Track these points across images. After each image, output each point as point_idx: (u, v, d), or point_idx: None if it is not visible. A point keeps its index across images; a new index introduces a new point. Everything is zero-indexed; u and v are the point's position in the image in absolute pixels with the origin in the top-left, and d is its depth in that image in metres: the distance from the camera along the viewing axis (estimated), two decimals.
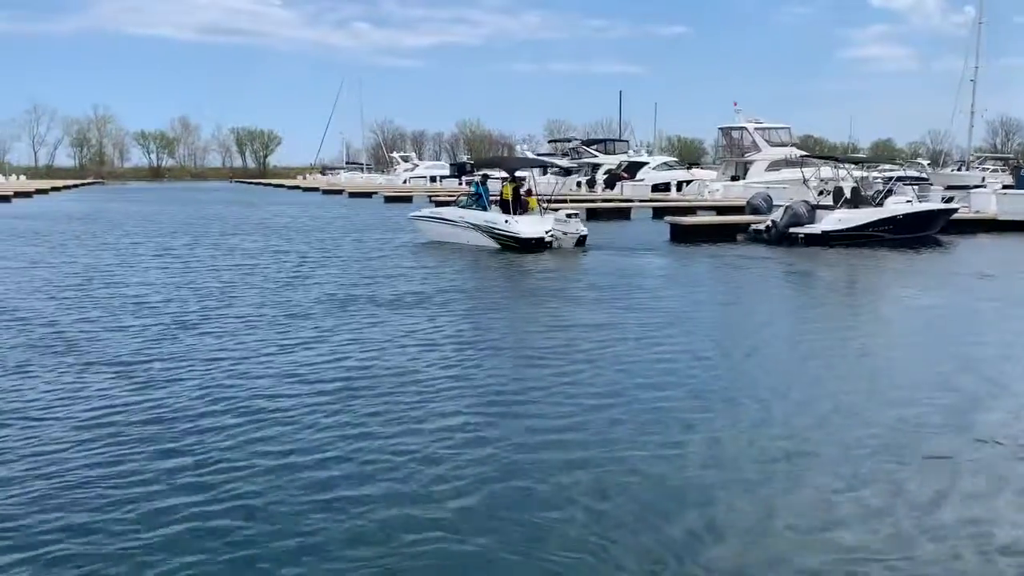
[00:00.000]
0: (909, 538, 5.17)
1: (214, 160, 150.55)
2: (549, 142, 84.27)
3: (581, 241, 22.51)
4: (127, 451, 6.55)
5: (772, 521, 5.40)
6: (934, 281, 17.65)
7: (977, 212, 30.06)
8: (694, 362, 9.63)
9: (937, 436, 7.03)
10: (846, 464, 6.37)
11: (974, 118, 60.01)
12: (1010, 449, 6.77)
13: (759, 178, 43.30)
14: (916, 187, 32.57)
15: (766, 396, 8.21)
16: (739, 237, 25.65)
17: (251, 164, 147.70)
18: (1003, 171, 59.09)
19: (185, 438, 6.84)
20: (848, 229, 23.56)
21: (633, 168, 53.39)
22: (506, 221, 21.95)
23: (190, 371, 9.00)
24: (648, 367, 9.31)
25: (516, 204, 22.82)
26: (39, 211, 42.50)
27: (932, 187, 36.99)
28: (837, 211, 24.06)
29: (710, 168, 60.75)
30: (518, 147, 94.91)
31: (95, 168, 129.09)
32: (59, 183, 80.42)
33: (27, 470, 6.17)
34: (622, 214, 37.39)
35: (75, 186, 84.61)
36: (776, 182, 37.67)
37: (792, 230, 23.76)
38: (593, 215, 35.46)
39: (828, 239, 23.15)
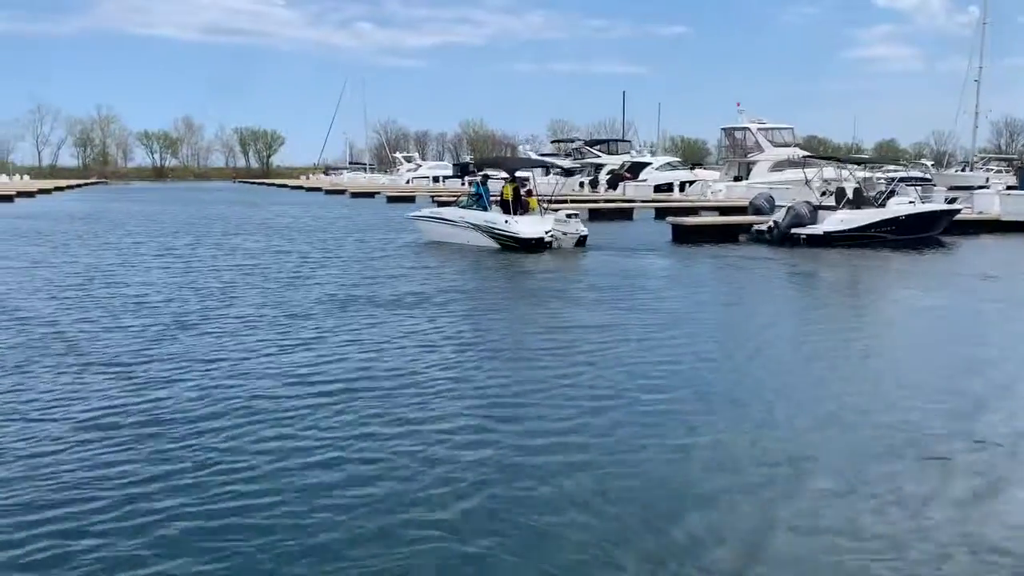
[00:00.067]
0: (911, 540, 5.14)
1: (217, 160, 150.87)
2: (552, 142, 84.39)
3: (581, 241, 22.50)
4: (125, 452, 6.53)
5: (775, 524, 5.37)
6: (936, 282, 17.61)
7: (980, 213, 29.99)
8: (695, 364, 9.60)
9: (940, 438, 6.99)
10: (850, 466, 6.33)
11: (978, 119, 59.99)
12: (1014, 451, 6.74)
13: (762, 179, 43.26)
14: (919, 188, 32.50)
15: (769, 398, 8.19)
16: (741, 238, 25.61)
17: (254, 164, 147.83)
18: (1007, 172, 58.96)
19: (184, 439, 6.82)
20: (850, 230, 23.52)
21: (636, 168, 53.40)
22: (506, 221, 21.94)
23: (190, 371, 8.98)
24: (650, 368, 9.27)
25: (516, 204, 22.83)
26: (42, 211, 42.56)
27: (935, 188, 36.92)
28: (839, 212, 24.01)
29: (713, 168, 60.70)
30: (521, 147, 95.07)
31: (98, 168, 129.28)
32: (62, 183, 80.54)
33: (25, 470, 6.15)
34: (624, 214, 37.36)
35: (78, 186, 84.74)
36: (779, 183, 37.63)
37: (794, 231, 23.72)
38: (595, 215, 35.42)
39: (830, 240, 23.11)
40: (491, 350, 10.29)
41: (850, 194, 24.80)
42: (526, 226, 21.74)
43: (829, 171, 28.10)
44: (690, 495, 5.78)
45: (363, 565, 4.80)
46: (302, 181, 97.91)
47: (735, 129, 49.74)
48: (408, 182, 76.83)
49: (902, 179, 33.09)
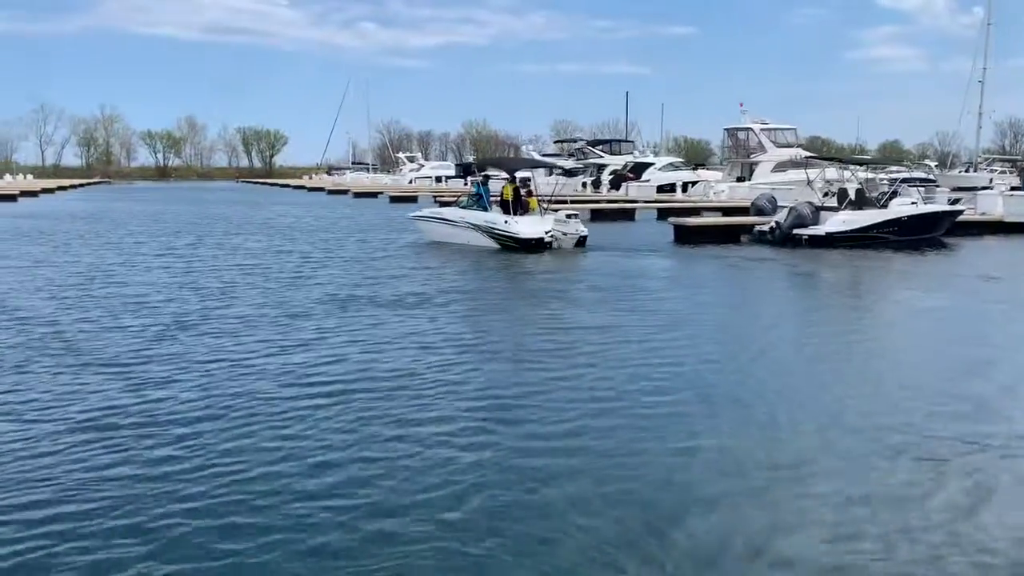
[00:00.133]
0: (913, 542, 5.11)
1: (220, 160, 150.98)
2: (555, 142, 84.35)
3: (581, 242, 22.50)
4: (124, 452, 6.52)
5: (779, 527, 5.34)
6: (938, 283, 17.57)
7: (983, 214, 29.93)
8: (697, 365, 9.56)
9: (942, 441, 6.96)
10: (852, 469, 6.30)
11: (982, 119, 59.83)
12: (1019, 454, 6.71)
13: (765, 179, 43.23)
14: (922, 189, 32.43)
15: (771, 400, 8.14)
16: (743, 238, 25.58)
17: (257, 164, 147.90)
18: (1011, 173, 58.83)
19: (183, 440, 6.81)
20: (852, 231, 23.47)
21: (639, 169, 53.42)
22: (506, 222, 21.96)
23: (190, 371, 8.98)
24: (651, 370, 9.23)
25: (516, 204, 22.84)
26: (45, 210, 42.60)
27: (939, 189, 36.85)
28: (841, 212, 23.96)
29: (716, 169, 60.66)
30: (524, 148, 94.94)
31: (102, 168, 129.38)
32: (65, 182, 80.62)
33: (23, 471, 6.14)
34: (626, 215, 37.34)
35: (81, 185, 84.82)
36: (782, 183, 37.60)
37: (796, 231, 23.67)
38: (597, 216, 35.42)
39: (832, 240, 23.06)
40: (491, 351, 10.27)
41: (852, 195, 24.75)
42: (526, 226, 21.75)
43: (832, 172, 28.05)
44: (692, 498, 5.75)
45: (362, 567, 4.78)
46: (305, 181, 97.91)
47: (738, 130, 49.74)
48: (411, 182, 76.85)
49: (904, 180, 33.05)
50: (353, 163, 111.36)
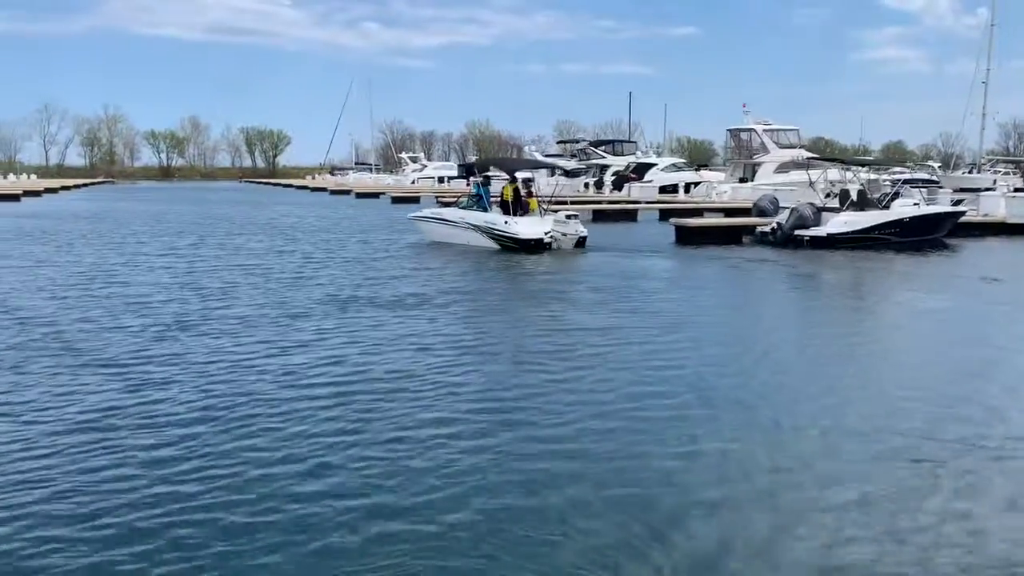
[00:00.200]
0: (914, 544, 5.12)
1: (224, 160, 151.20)
2: (558, 143, 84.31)
3: (581, 242, 22.52)
4: (122, 453, 6.53)
5: (782, 531, 5.33)
6: (940, 284, 17.54)
7: (986, 215, 29.90)
8: (697, 367, 9.52)
9: (944, 443, 6.95)
10: (855, 472, 6.29)
11: (986, 120, 59.61)
12: (1020, 455, 6.71)
13: (768, 180, 43.15)
14: (925, 190, 32.40)
15: (773, 403, 8.13)
16: (745, 239, 25.57)
17: (260, 164, 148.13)
18: (1015, 174, 58.72)
19: (182, 441, 6.81)
20: (854, 232, 23.45)
21: (641, 169, 53.35)
22: (505, 222, 21.99)
23: (189, 372, 8.98)
24: (651, 372, 9.21)
25: (516, 205, 22.87)
26: (48, 210, 42.67)
27: (942, 190, 36.79)
28: (843, 213, 23.94)
29: (719, 170, 60.59)
30: (527, 148, 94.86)
31: (105, 167, 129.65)
32: (69, 182, 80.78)
33: (20, 471, 6.15)
34: (629, 215, 37.31)
35: (84, 185, 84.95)
36: (785, 184, 37.52)
37: (797, 232, 23.66)
38: (599, 216, 35.42)
39: (833, 242, 23.04)
40: (491, 353, 10.26)
41: (854, 196, 24.73)
42: (525, 227, 21.77)
43: (834, 173, 28.03)
44: (693, 501, 5.72)
45: (361, 569, 4.77)
46: (308, 181, 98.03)
47: (741, 130, 49.66)
48: (413, 182, 76.88)
49: (907, 181, 33.01)
50: (356, 163, 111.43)
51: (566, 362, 9.61)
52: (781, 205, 26.53)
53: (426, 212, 26.27)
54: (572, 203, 32.15)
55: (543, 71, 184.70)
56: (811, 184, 26.38)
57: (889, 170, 32.96)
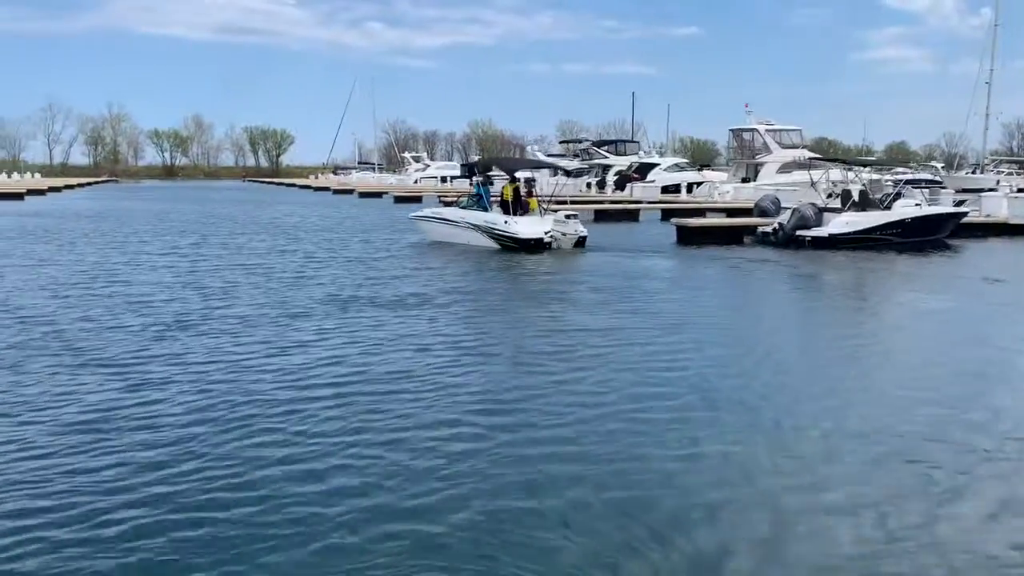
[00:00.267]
0: (918, 548, 5.13)
1: (227, 159, 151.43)
2: (560, 143, 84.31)
3: (580, 242, 22.54)
4: (119, 453, 6.55)
5: (786, 534, 5.33)
6: (941, 285, 17.51)
7: (988, 216, 29.85)
8: (698, 369, 9.50)
9: (946, 446, 6.95)
10: (857, 474, 6.29)
11: (989, 120, 59.49)
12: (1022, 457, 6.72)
13: (770, 180, 43.12)
14: (927, 190, 32.37)
15: (775, 405, 8.11)
16: (746, 239, 25.56)
17: (264, 163, 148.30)
18: (1018, 174, 58.59)
19: (181, 441, 6.82)
20: (855, 232, 23.42)
21: (644, 169, 53.33)
22: (505, 222, 22.03)
23: (189, 372, 9.00)
24: (652, 374, 9.19)
25: (516, 205, 22.90)
26: (51, 209, 42.76)
27: (944, 190, 36.74)
28: (844, 214, 23.92)
29: (722, 170, 60.53)
30: (529, 148, 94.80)
31: (109, 166, 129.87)
32: (72, 181, 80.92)
33: (17, 472, 6.17)
34: (630, 216, 37.30)
35: (88, 184, 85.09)
36: (787, 184, 37.49)
37: (799, 233, 23.64)
38: (601, 216, 35.43)
39: (835, 242, 23.02)
40: (492, 354, 10.25)
41: (855, 196, 24.71)
42: (525, 227, 21.81)
43: (836, 173, 28.00)
44: (695, 504, 5.70)
45: (359, 571, 4.78)
46: (310, 181, 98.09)
47: (743, 130, 49.61)
48: (416, 182, 76.89)
49: (910, 181, 32.97)
50: (359, 163, 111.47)
51: (567, 363, 9.60)
52: (783, 205, 26.52)
53: (427, 212, 26.31)
54: (574, 203, 32.17)
55: (546, 71, 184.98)
56: (813, 184, 26.36)
57: (892, 170, 32.90)
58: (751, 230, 25.99)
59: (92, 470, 6.18)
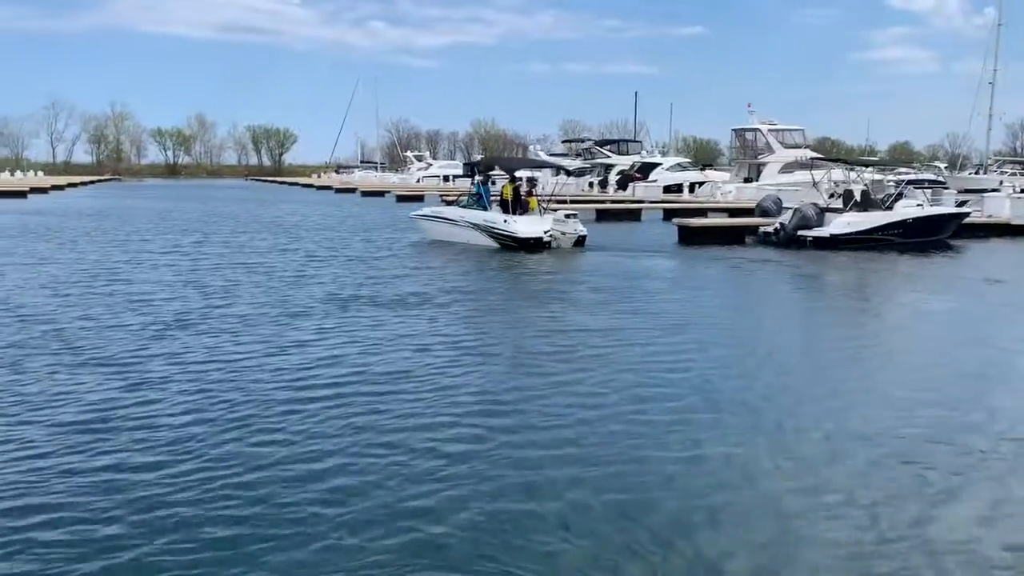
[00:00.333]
0: (920, 550, 5.11)
1: (230, 158, 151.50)
2: (563, 142, 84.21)
3: (580, 241, 22.56)
4: (117, 453, 6.55)
5: (788, 537, 5.31)
6: (943, 286, 17.48)
7: (990, 216, 29.80)
8: (700, 370, 9.48)
9: (947, 448, 6.93)
10: (858, 476, 6.28)
11: (992, 121, 59.50)
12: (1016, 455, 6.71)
13: (772, 180, 43.07)
14: (930, 190, 32.33)
15: (777, 406, 8.09)
16: (748, 240, 25.53)
17: (267, 162, 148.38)
18: (1022, 175, 58.48)
19: (179, 441, 6.81)
20: (857, 232, 23.40)
21: (646, 169, 53.27)
22: (505, 221, 22.06)
23: (188, 371, 8.99)
24: (653, 375, 9.17)
25: (516, 204, 22.91)
26: (54, 207, 42.81)
27: (947, 190, 36.68)
28: (846, 214, 23.90)
29: (725, 169, 60.45)
30: (532, 147, 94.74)
31: (112, 165, 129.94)
32: (75, 179, 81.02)
33: (17, 471, 6.17)
34: (632, 215, 37.26)
35: (91, 182, 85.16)
36: (789, 184, 37.45)
37: (800, 233, 23.63)
38: (603, 216, 35.40)
39: (836, 242, 22.99)
40: (492, 355, 10.23)
41: (857, 196, 24.68)
42: (524, 226, 21.83)
43: (838, 173, 27.96)
44: (696, 506, 5.68)
45: (360, 572, 4.77)
46: (313, 180, 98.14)
47: (746, 130, 49.55)
48: (418, 181, 76.87)
49: (911, 181, 32.92)
50: (362, 162, 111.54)
51: (567, 363, 9.58)
52: (784, 205, 26.49)
53: (427, 211, 26.34)
54: (573, 202, 32.16)
55: (548, 70, 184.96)
56: (815, 184, 26.34)
57: (894, 170, 32.86)
58: (752, 230, 25.97)
59: (90, 470, 6.17)
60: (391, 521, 5.39)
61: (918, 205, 25.73)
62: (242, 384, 8.51)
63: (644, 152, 62.14)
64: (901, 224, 24.10)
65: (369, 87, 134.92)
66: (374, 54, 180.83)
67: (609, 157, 58.20)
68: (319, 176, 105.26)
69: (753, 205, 30.66)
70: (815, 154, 42.67)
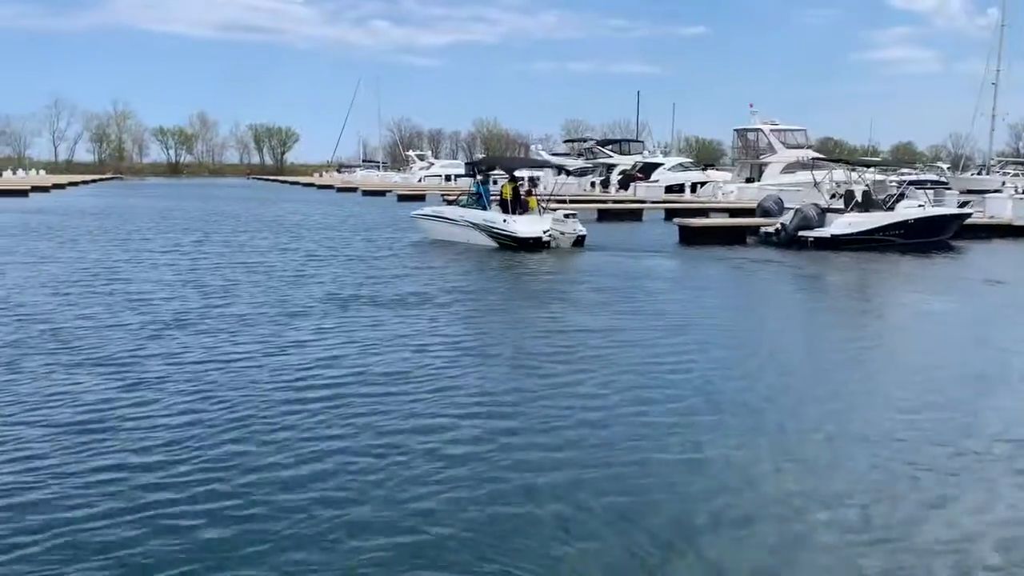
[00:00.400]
0: (921, 552, 5.10)
1: (232, 157, 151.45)
2: (565, 142, 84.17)
3: (579, 241, 22.55)
4: (115, 453, 6.53)
5: (787, 538, 5.30)
6: (944, 287, 17.45)
7: (992, 217, 29.76)
8: (701, 371, 9.46)
9: (949, 449, 6.91)
10: (859, 477, 6.26)
11: (995, 121, 59.38)
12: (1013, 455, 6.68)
13: (774, 180, 42.98)
14: (932, 191, 32.26)
15: (778, 407, 8.07)
16: (749, 240, 25.50)
17: (268, 161, 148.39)
18: None
19: (176, 442, 6.79)
20: (858, 233, 23.36)
21: (648, 169, 53.21)
22: (504, 220, 22.07)
23: (186, 371, 8.98)
24: (654, 376, 9.14)
25: (516, 204, 22.91)
26: (55, 206, 42.83)
27: (949, 191, 36.62)
28: (847, 215, 23.87)
29: (727, 169, 60.40)
30: (534, 147, 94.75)
31: (114, 164, 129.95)
32: (77, 178, 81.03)
33: (15, 470, 6.16)
34: (634, 215, 37.20)
35: (93, 181, 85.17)
36: (791, 184, 37.39)
37: (801, 233, 23.60)
38: (604, 216, 35.35)
39: (837, 243, 22.96)
40: (492, 355, 10.21)
41: (859, 197, 24.65)
42: (524, 225, 21.84)
43: (840, 174, 27.92)
44: (697, 509, 5.66)
45: (361, 573, 4.75)
46: (315, 179, 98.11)
47: (748, 130, 49.49)
48: (420, 180, 76.84)
49: (913, 182, 32.87)
50: (363, 161, 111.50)
51: (567, 364, 9.56)
52: (786, 206, 26.45)
53: (428, 210, 26.35)
54: (575, 202, 32.14)
55: (551, 70, 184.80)
56: (816, 185, 26.31)
57: (896, 171, 32.82)
58: (754, 230, 25.94)
59: (88, 470, 6.15)
60: (390, 522, 5.37)
61: (919, 206, 25.68)
62: (241, 384, 8.49)
63: (646, 152, 62.07)
64: (902, 225, 24.07)
65: (371, 86, 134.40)
66: (376, 53, 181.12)
67: (611, 157, 58.15)
68: (321, 175, 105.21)
69: (755, 205, 30.62)
70: (817, 154, 42.60)
